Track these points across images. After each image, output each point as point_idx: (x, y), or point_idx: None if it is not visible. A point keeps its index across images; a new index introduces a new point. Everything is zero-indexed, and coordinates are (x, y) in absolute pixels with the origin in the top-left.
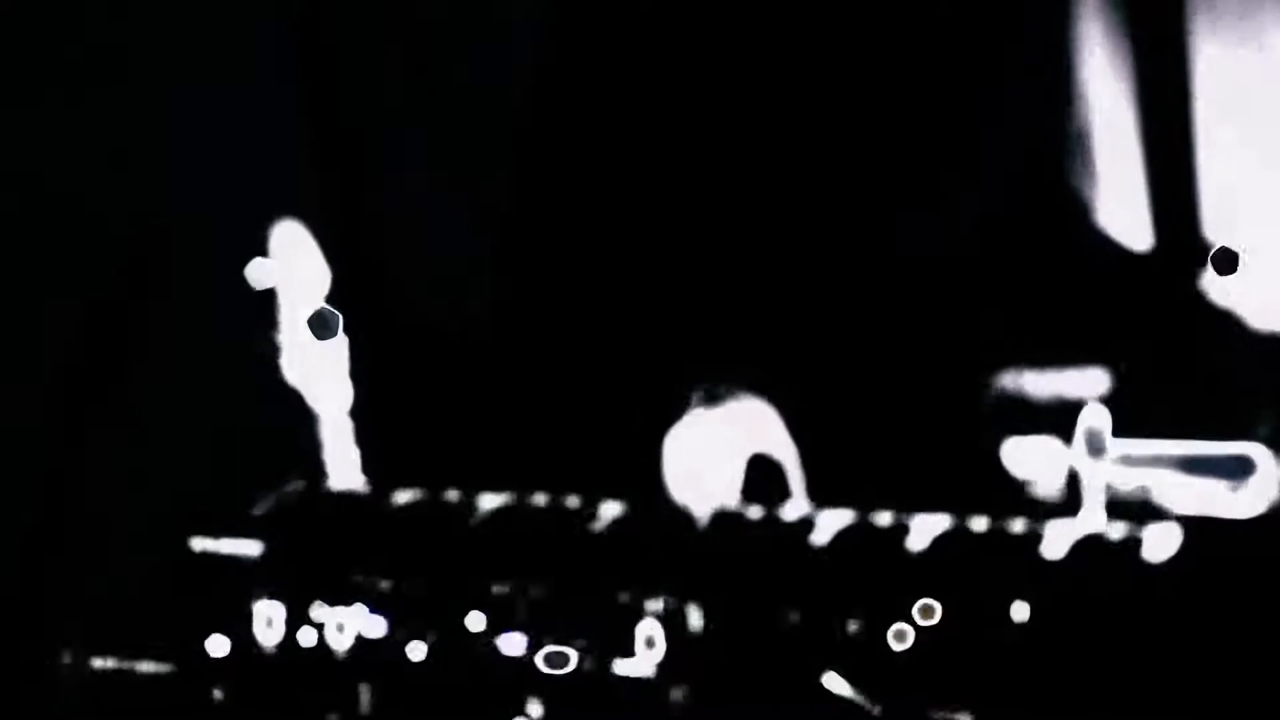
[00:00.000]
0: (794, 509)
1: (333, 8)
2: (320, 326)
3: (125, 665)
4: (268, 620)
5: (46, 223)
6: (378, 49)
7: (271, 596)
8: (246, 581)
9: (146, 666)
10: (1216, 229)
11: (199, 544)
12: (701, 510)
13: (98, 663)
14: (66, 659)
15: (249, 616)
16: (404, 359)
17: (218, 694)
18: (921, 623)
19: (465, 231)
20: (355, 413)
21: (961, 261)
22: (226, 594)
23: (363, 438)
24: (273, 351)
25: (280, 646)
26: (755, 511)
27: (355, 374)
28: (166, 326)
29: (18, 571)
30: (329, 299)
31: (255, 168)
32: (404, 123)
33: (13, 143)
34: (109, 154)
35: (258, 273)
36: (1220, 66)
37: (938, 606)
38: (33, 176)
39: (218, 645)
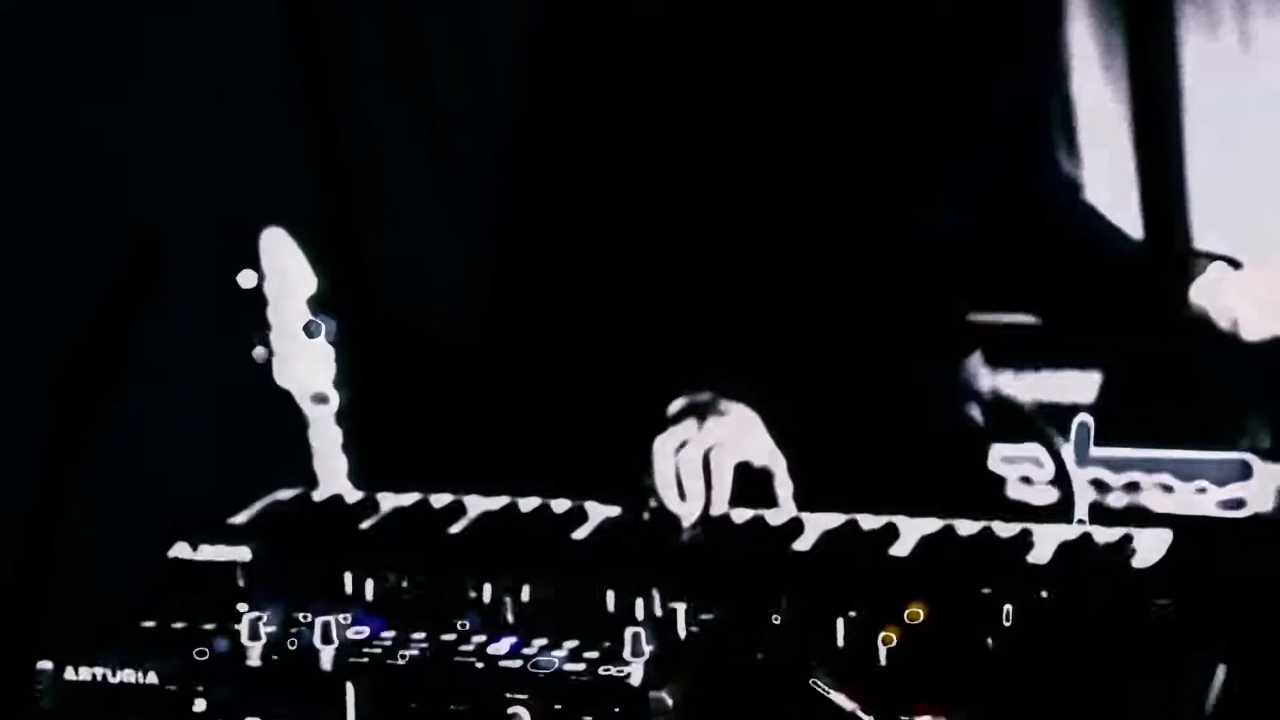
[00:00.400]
0: (781, 514)
1: (329, 18)
2: (312, 333)
3: (113, 672)
4: (256, 625)
5: (43, 224)
6: (374, 59)
7: (260, 602)
8: (235, 587)
9: (134, 673)
10: (1207, 236)
11: (187, 551)
12: (689, 515)
13: (85, 670)
14: (50, 666)
15: (237, 622)
16: (395, 365)
17: (204, 700)
18: (908, 625)
19: (457, 239)
20: (345, 418)
21: (949, 267)
22: (214, 600)
23: (352, 443)
24: (264, 357)
25: (268, 651)
26: (743, 516)
27: (346, 380)
28: (158, 331)
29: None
30: (321, 305)
31: (250, 173)
32: (398, 132)
33: (13, 144)
34: (109, 158)
35: (250, 279)
36: (1213, 72)
37: (925, 610)
38: (32, 178)
39: (205, 651)
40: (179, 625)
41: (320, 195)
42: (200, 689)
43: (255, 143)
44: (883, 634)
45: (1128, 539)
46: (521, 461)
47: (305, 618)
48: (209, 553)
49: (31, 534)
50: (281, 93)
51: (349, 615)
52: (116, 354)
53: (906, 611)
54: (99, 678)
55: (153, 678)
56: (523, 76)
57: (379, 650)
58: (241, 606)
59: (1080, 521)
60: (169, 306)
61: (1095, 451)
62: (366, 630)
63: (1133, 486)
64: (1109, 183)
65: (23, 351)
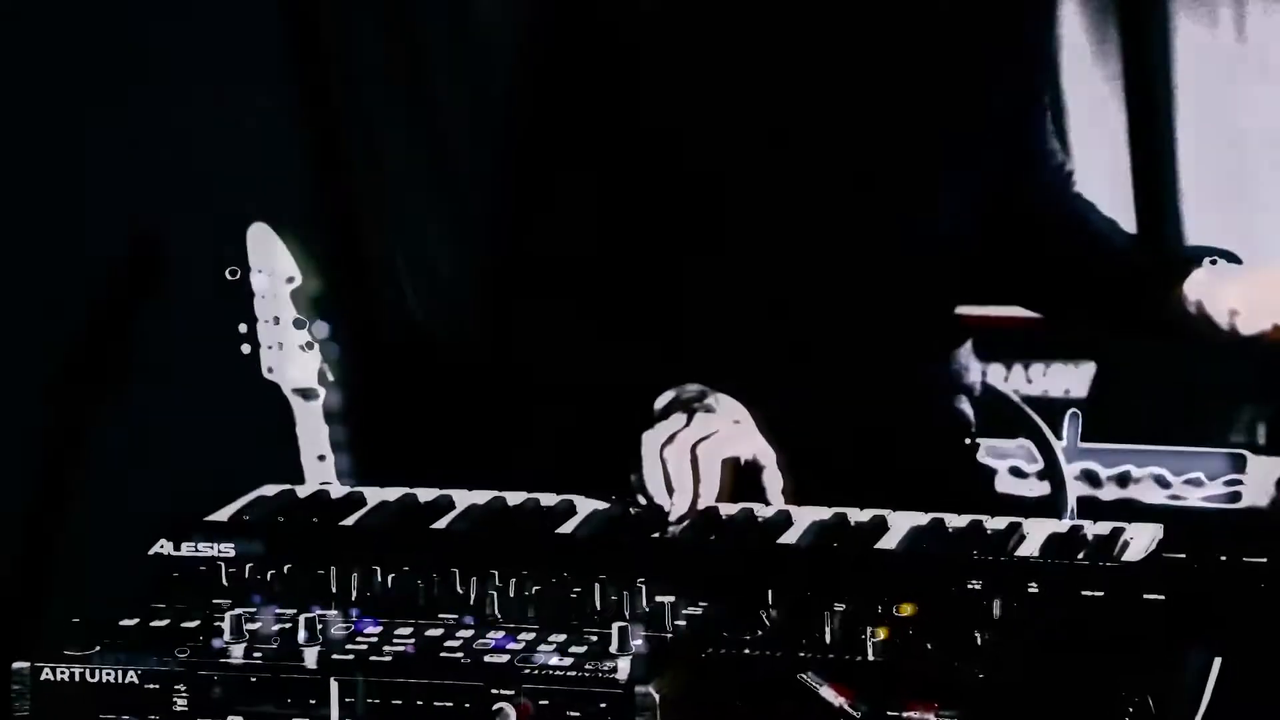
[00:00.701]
0: (771, 508)
1: (329, 18)
2: (299, 327)
3: (92, 672)
4: (239, 622)
5: (44, 224)
6: (374, 59)
7: (243, 598)
8: (218, 584)
9: (114, 673)
10: (1201, 232)
11: (171, 548)
12: (677, 509)
13: (67, 668)
14: (27, 666)
15: (222, 618)
16: (384, 362)
17: (186, 699)
18: (897, 619)
19: (456, 238)
20: (338, 415)
21: (941, 263)
22: (197, 597)
23: (341, 439)
24: (254, 355)
25: (251, 648)
26: (732, 510)
27: (339, 377)
28: (158, 331)
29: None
30: (316, 304)
31: (250, 173)
32: (395, 133)
33: (13, 144)
34: (109, 158)
35: (247, 278)
36: (1207, 65)
37: (914, 606)
38: (32, 178)
39: (186, 649)
40: (160, 623)
41: (320, 195)
42: (181, 688)
43: (255, 143)
44: (877, 631)
45: (1118, 532)
46: (513, 459)
47: (289, 614)
48: (194, 549)
49: (29, 534)
50: (282, 93)
51: (334, 611)
52: (116, 354)
53: (895, 606)
54: (77, 677)
55: (133, 677)
56: (522, 76)
57: (364, 647)
58: (228, 601)
59: (1071, 515)
60: (169, 306)
61: (1087, 445)
62: (351, 627)
63: (1124, 480)
64: (1103, 177)
65: (23, 351)
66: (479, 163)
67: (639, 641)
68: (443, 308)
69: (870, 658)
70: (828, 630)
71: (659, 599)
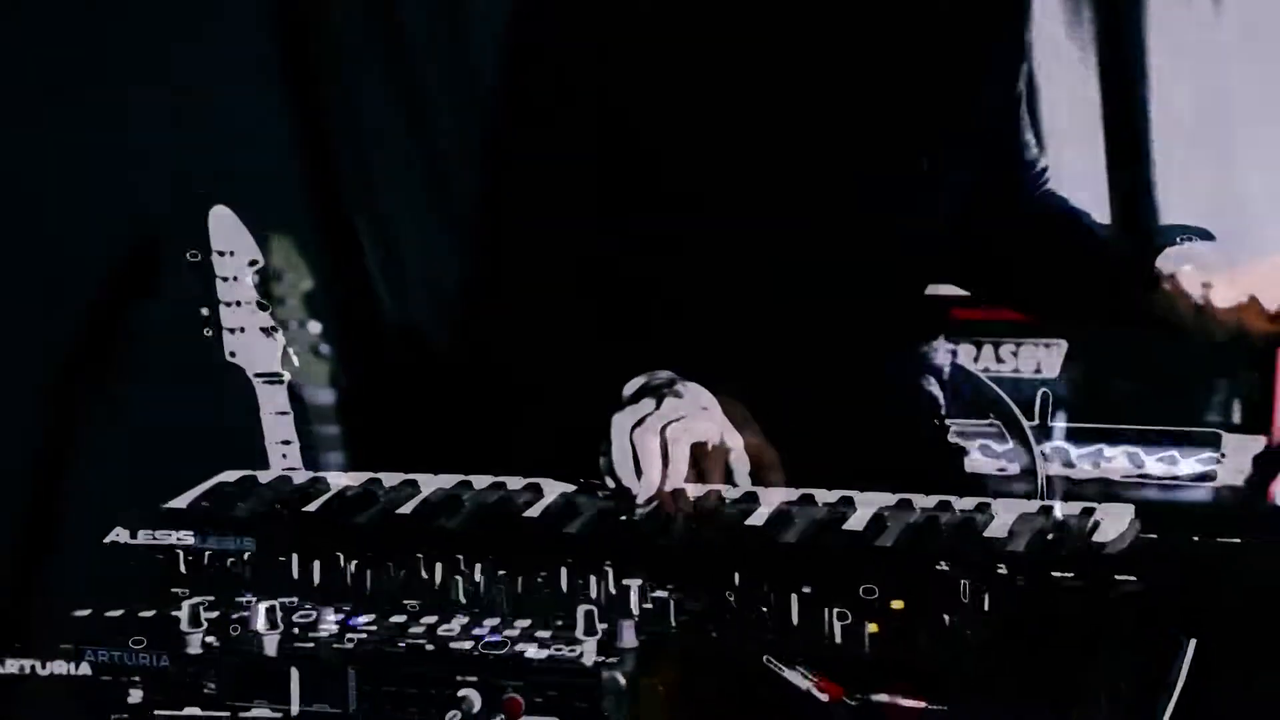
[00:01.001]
0: (738, 490)
1: (328, 17)
2: (266, 314)
3: (42, 664)
4: (197, 611)
5: (43, 224)
6: (371, 59)
7: (206, 588)
8: (177, 572)
9: (66, 665)
10: (1175, 214)
11: (126, 536)
12: (645, 492)
13: (16, 662)
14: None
15: (178, 608)
16: (372, 359)
17: (140, 691)
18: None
19: (445, 235)
20: (298, 402)
21: (914, 247)
22: (153, 586)
23: (306, 425)
24: (218, 343)
25: (212, 636)
26: (699, 492)
27: (303, 365)
28: (156, 330)
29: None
30: (305, 300)
31: (247, 172)
32: (379, 131)
33: (12, 144)
34: (102, 160)
35: (209, 260)
36: (1179, 58)
37: (894, 599)
38: (31, 178)
39: (144, 639)
40: (115, 613)
41: (312, 195)
42: (136, 679)
43: (254, 143)
44: (839, 612)
45: (1090, 513)
46: (479, 441)
47: (249, 602)
48: (150, 538)
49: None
50: (277, 92)
51: (295, 599)
52: (116, 354)
53: (865, 591)
54: (29, 670)
55: (85, 669)
56: (511, 76)
57: (326, 635)
58: (186, 591)
59: (1042, 495)
60: (166, 306)
61: (1058, 424)
62: (314, 614)
63: (1097, 459)
64: (1077, 168)
65: (20, 351)
66: (467, 160)
67: (606, 625)
68: (428, 304)
69: (842, 645)
70: (793, 614)
71: (626, 582)
